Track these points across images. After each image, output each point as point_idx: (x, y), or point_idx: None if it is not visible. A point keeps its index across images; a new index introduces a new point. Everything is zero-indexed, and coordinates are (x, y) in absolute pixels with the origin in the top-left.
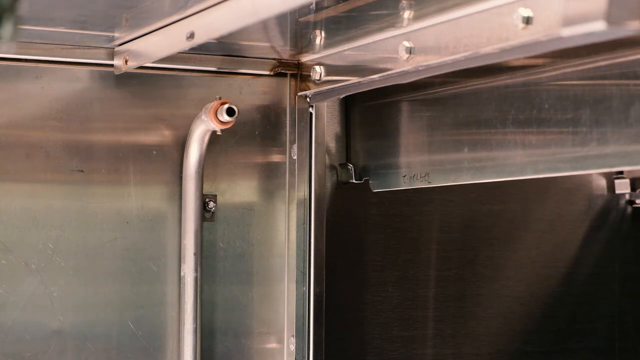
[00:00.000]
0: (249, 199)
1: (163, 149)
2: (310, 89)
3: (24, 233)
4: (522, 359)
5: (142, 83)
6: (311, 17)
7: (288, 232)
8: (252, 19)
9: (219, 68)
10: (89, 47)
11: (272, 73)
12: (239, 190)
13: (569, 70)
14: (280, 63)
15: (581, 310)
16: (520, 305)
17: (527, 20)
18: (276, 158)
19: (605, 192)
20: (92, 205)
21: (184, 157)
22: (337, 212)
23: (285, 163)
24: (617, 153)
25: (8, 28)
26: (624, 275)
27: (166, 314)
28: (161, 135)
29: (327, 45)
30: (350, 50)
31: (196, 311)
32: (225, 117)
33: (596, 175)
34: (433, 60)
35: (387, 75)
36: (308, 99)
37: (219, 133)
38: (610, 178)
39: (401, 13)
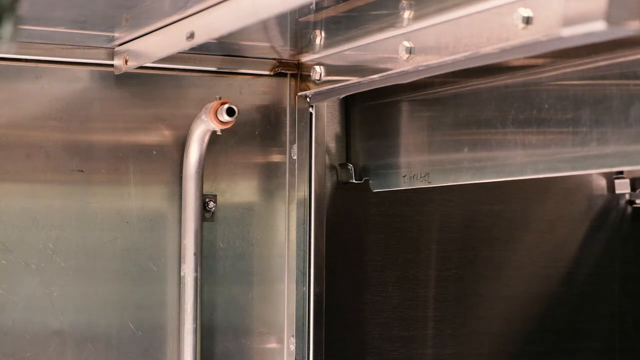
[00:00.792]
0: (249, 199)
1: (163, 149)
2: (310, 89)
3: (24, 233)
4: (522, 359)
5: (142, 83)
6: (311, 17)
7: (288, 232)
8: (252, 19)
9: (219, 68)
10: (89, 47)
11: (272, 73)
12: (239, 190)
13: (569, 70)
14: (280, 63)
15: (581, 310)
16: (520, 305)
17: (527, 20)
18: (276, 158)
19: (605, 192)
20: (92, 205)
21: (184, 157)
22: (337, 212)
23: (285, 163)
24: (617, 153)
25: (8, 28)
26: (624, 275)
27: (166, 314)
28: (161, 135)
29: (327, 45)
30: (350, 50)
31: (196, 311)
32: (225, 117)
33: (596, 175)
34: (433, 60)
35: (387, 75)
36: (308, 99)
37: (219, 133)
38: (610, 178)
39: (401, 13)
